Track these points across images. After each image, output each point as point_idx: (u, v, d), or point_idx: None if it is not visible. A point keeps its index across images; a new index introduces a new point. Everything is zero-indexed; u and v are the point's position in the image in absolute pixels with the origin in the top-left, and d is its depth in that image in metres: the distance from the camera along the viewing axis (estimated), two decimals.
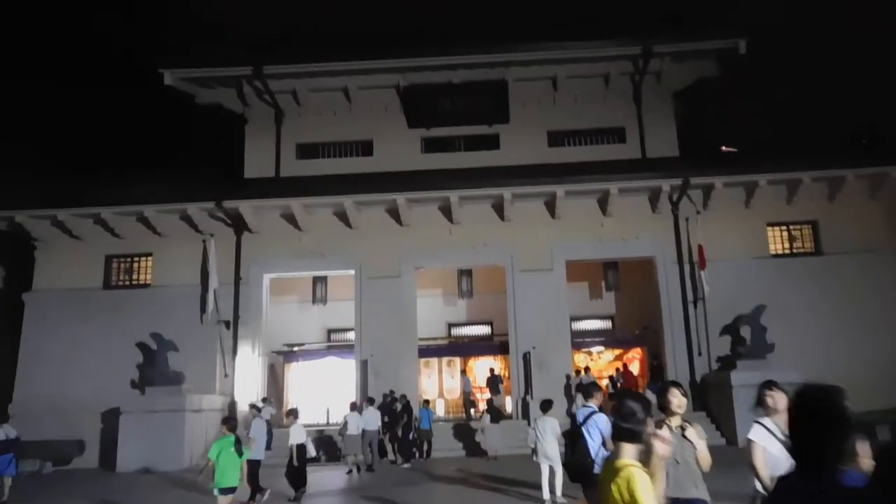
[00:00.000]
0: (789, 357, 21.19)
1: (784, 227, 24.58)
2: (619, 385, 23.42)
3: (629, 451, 3.55)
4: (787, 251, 24.42)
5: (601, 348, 27.15)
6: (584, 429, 7.77)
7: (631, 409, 3.63)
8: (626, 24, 27.18)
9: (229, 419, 10.17)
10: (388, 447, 20.62)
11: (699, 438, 5.38)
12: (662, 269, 24.11)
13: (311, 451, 14.10)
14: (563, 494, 11.73)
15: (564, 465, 8.26)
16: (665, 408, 5.49)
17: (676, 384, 5.71)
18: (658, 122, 26.55)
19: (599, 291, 28.42)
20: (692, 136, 27.42)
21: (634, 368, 25.89)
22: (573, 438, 7.85)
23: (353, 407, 19.19)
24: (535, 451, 12.10)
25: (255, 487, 13.18)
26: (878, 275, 23.19)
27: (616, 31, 26.32)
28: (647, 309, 25.51)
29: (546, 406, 12.37)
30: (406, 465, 19.24)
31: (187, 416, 20.81)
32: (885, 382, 21.20)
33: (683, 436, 5.31)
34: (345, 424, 18.65)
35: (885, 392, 21.21)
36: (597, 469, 7.49)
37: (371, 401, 19.72)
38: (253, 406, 14.69)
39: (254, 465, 13.09)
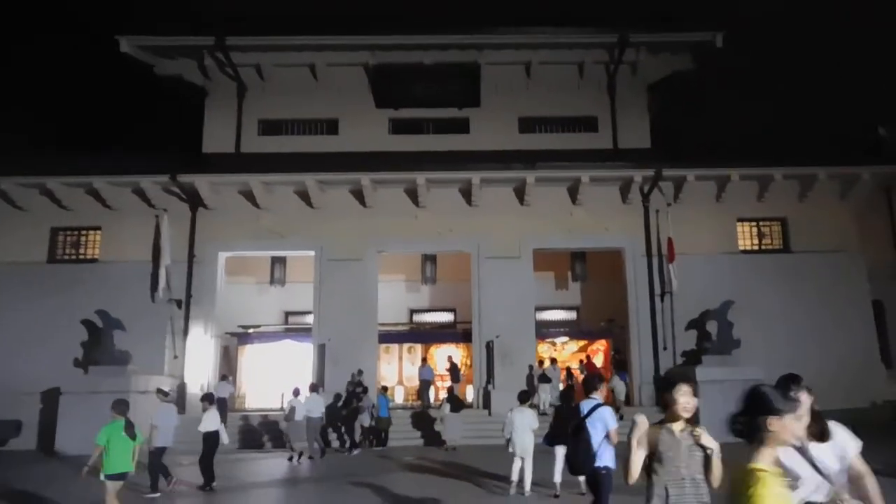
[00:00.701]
0: (756, 354, 20.91)
1: (754, 224, 24.34)
2: (583, 374, 22.88)
3: (762, 453, 2.92)
4: (756, 247, 24.17)
5: (565, 339, 26.69)
6: (587, 421, 7.39)
7: (756, 400, 3.02)
8: (604, 12, 26.63)
9: (118, 403, 9.49)
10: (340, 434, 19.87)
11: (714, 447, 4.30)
12: (631, 262, 23.69)
13: (224, 439, 13.33)
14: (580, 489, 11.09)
15: (566, 457, 7.80)
16: (668, 406, 4.35)
17: (686, 379, 4.44)
18: (631, 113, 26.13)
19: (565, 282, 27.96)
20: (665, 129, 27.02)
21: (598, 360, 25.46)
22: (576, 431, 7.46)
23: (297, 393, 18.39)
24: (508, 441, 11.53)
25: (160, 474, 12.43)
26: (846, 275, 23.10)
27: (593, 19, 25.80)
28: (613, 301, 25.09)
29: (523, 397, 11.89)
30: (355, 452, 18.41)
31: (132, 397, 19.48)
32: (851, 382, 21.09)
33: (699, 444, 4.23)
34: (291, 411, 17.89)
35: (852, 392, 21.16)
36: (599, 463, 7.28)
37: (314, 387, 18.89)
38: (159, 391, 13.79)
39: (158, 453, 12.42)
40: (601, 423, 7.35)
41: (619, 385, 22.03)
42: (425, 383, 23.61)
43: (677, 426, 4.31)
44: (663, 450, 4.24)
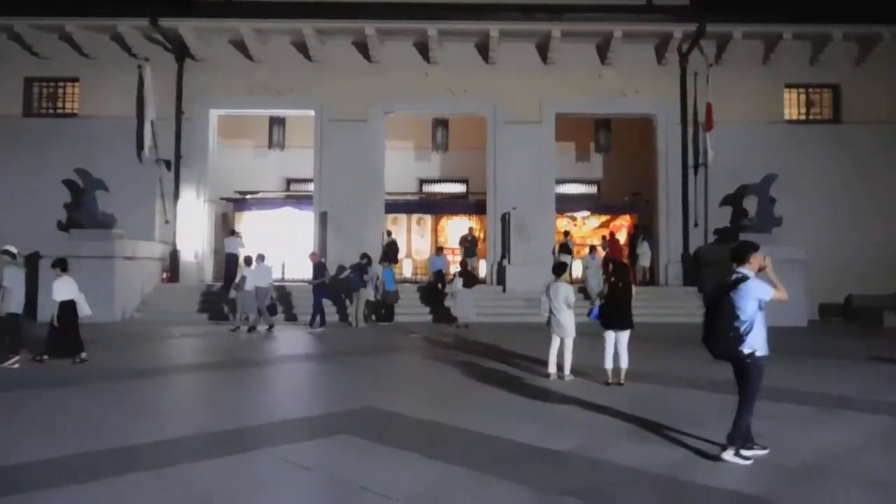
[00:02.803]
0: (795, 233, 19.20)
1: (803, 90, 21.96)
2: (605, 251, 21.19)
3: None
4: (803, 117, 21.88)
5: (586, 214, 24.88)
6: (730, 296, 5.86)
7: None
8: None
9: None
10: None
11: None
12: (663, 130, 21.55)
13: (85, 310, 11.68)
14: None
15: (703, 339, 6.21)
16: None
17: None
18: None
19: (587, 153, 25.84)
20: None
21: (622, 237, 23.73)
22: (713, 308, 6.01)
23: (250, 262, 16.93)
24: (549, 321, 10.03)
25: (14, 342, 11.01)
26: None
27: None
28: (638, 174, 23.18)
29: (558, 270, 10.19)
30: (317, 329, 16.59)
31: (118, 263, 18.28)
32: (893, 266, 19.46)
33: None
34: (242, 280, 16.61)
35: (893, 276, 19.69)
36: (745, 347, 5.78)
37: (262, 257, 17.30)
38: (6, 252, 12.03)
39: (12, 318, 10.93)
40: (751, 300, 5.81)
41: (645, 251, 20.46)
42: (438, 274, 20.35)
43: None
44: None
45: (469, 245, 21.42)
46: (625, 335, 9.58)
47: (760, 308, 5.86)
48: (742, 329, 5.78)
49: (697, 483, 5.33)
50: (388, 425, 7.18)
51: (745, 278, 5.84)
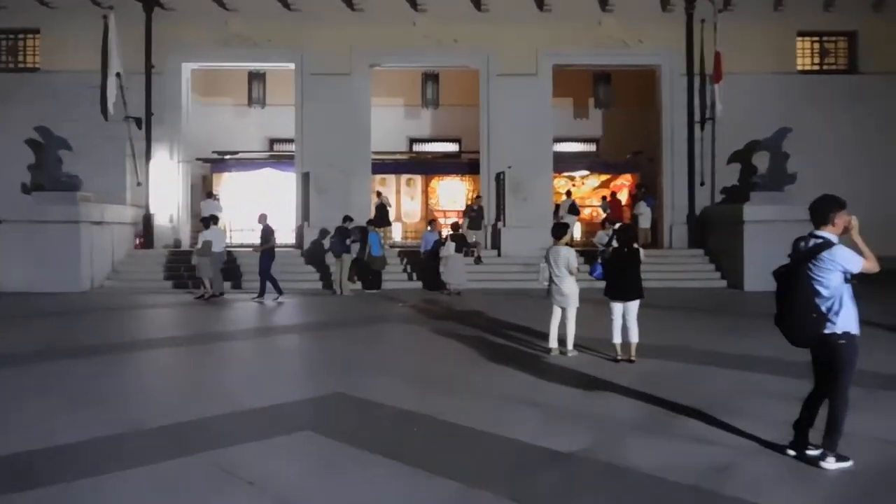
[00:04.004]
0: (807, 192, 17.86)
1: (817, 39, 20.64)
2: (606, 213, 20.04)
3: None
4: (816, 67, 20.58)
5: (585, 173, 23.60)
6: (810, 266, 4.73)
7: None
8: None
9: None
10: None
11: None
12: (667, 82, 20.23)
13: None
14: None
15: (776, 322, 5.07)
16: None
17: None
18: None
19: (586, 110, 24.42)
20: None
21: (623, 197, 22.53)
22: (787, 282, 4.84)
23: (208, 224, 15.73)
24: (549, 290, 8.90)
25: None
26: None
27: None
28: (640, 131, 21.93)
29: (558, 232, 8.98)
30: (269, 300, 14.95)
31: (84, 228, 17.00)
32: None
33: None
34: (205, 245, 15.37)
35: None
36: (831, 328, 4.65)
37: (215, 219, 16.05)
38: None
39: None
40: (835, 271, 4.64)
41: (645, 211, 19.27)
42: (429, 253, 17.86)
43: None
44: None
45: (475, 215, 19.59)
46: (634, 306, 8.44)
47: (846, 280, 4.67)
48: (826, 307, 4.65)
49: (749, 501, 4.17)
50: (361, 418, 6.04)
51: (828, 244, 4.65)
